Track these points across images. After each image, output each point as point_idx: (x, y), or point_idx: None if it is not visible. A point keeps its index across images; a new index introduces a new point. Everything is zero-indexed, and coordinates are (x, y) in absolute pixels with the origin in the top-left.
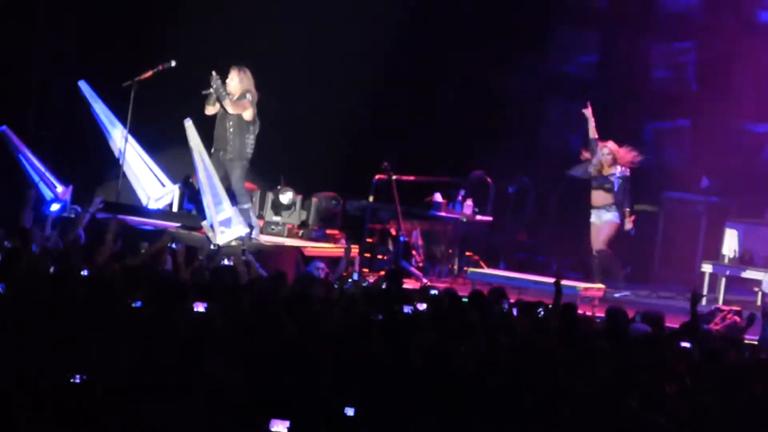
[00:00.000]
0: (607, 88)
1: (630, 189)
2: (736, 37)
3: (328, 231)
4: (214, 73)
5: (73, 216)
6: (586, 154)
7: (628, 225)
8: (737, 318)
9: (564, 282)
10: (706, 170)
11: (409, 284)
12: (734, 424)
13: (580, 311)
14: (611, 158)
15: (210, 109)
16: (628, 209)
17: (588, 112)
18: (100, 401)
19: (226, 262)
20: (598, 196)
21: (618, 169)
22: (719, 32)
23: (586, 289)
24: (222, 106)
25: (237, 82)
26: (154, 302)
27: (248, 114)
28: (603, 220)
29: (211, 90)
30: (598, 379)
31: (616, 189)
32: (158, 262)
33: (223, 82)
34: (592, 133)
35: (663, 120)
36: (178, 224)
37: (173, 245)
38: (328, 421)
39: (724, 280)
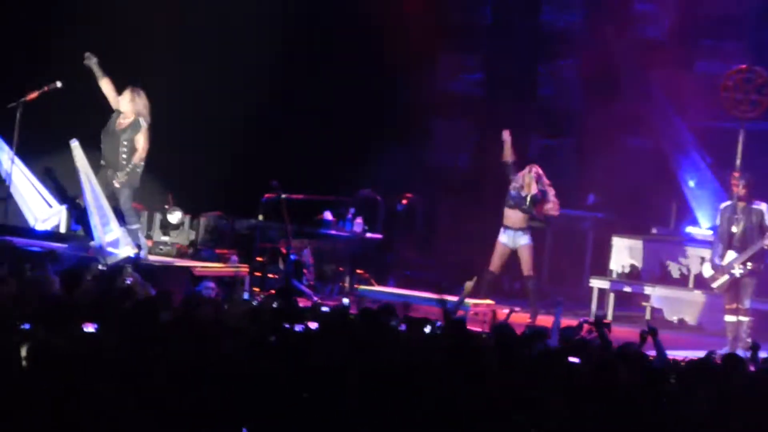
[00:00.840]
0: (493, 106)
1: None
2: (617, 52)
3: (218, 250)
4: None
5: None
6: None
7: None
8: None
9: (453, 298)
10: (592, 187)
11: (300, 303)
12: None
13: (471, 328)
14: (536, 180)
15: (103, 83)
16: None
17: (506, 134)
18: None
19: (126, 282)
20: (514, 216)
21: (532, 192)
22: (600, 48)
23: (476, 305)
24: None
25: (129, 101)
26: (42, 323)
27: (142, 143)
28: (519, 243)
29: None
30: (485, 395)
31: (526, 207)
32: (46, 284)
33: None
34: (508, 157)
35: (549, 137)
36: (66, 245)
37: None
38: None
39: (612, 295)
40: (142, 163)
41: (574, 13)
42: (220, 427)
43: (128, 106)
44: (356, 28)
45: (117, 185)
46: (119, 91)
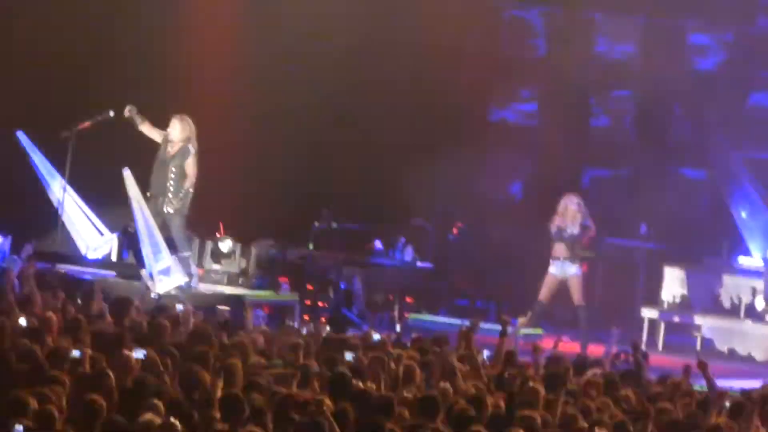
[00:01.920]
0: (547, 136)
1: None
2: (673, 84)
3: (269, 278)
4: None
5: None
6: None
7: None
8: (630, 358)
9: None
10: (644, 217)
11: (350, 332)
12: None
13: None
14: (578, 210)
15: (147, 129)
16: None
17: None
18: None
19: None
20: (560, 247)
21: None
22: (656, 80)
23: (527, 335)
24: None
25: (179, 130)
26: (94, 350)
27: (191, 167)
28: (568, 273)
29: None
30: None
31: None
32: (96, 313)
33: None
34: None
35: (602, 167)
36: (116, 273)
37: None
38: None
39: (663, 325)
40: (192, 189)
41: (629, 45)
42: None
43: (176, 134)
44: (413, 58)
45: (170, 211)
46: (167, 121)
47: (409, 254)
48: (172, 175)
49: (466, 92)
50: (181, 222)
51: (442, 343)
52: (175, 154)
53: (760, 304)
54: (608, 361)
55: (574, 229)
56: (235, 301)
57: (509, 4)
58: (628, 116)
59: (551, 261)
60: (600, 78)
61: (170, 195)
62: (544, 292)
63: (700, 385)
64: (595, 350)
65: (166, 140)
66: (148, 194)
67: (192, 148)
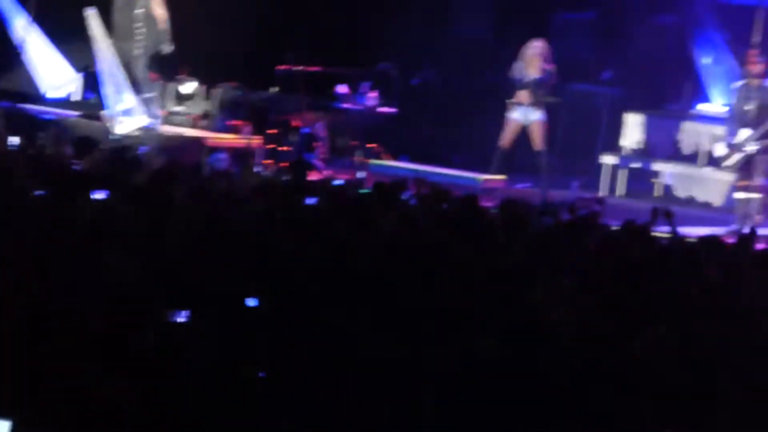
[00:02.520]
0: None
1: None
2: None
3: (232, 122)
4: None
5: None
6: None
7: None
8: (597, 206)
9: (465, 173)
10: (609, 63)
11: (312, 176)
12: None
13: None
14: (541, 58)
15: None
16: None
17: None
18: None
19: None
20: (524, 93)
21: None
22: None
23: (487, 180)
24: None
25: None
26: (55, 191)
27: (159, 7)
28: (531, 119)
29: None
30: (498, 271)
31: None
32: (59, 151)
33: None
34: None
35: (568, 11)
36: (79, 113)
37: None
38: (230, 312)
39: (623, 171)
40: (167, 27)
41: None
42: (227, 298)
43: None
44: None
45: (139, 53)
46: None
47: (373, 99)
48: (138, 19)
49: None
50: (145, 62)
51: (402, 189)
52: None
53: (719, 150)
54: (567, 207)
55: (535, 74)
56: (198, 143)
57: None
58: None
59: (513, 106)
60: None
61: (137, 38)
62: (505, 138)
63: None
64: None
65: None
66: (111, 38)
67: None
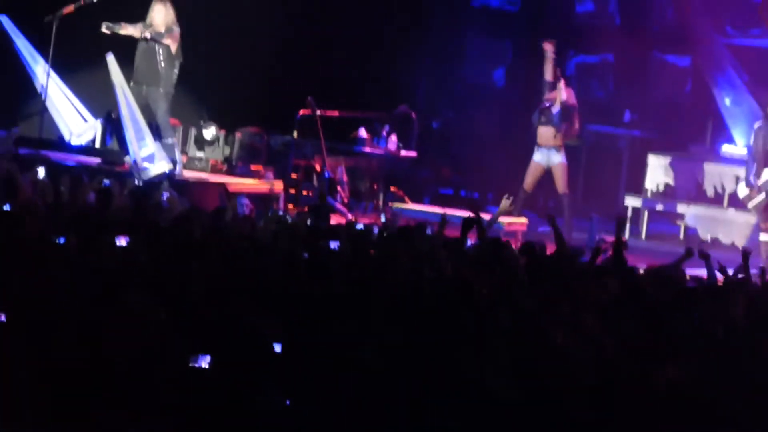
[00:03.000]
0: (530, 22)
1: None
2: None
3: (253, 166)
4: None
5: None
6: (549, 96)
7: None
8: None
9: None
10: (629, 104)
11: (334, 220)
12: (658, 357)
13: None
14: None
15: (125, 31)
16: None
17: (548, 47)
18: (20, 339)
19: (161, 197)
20: (546, 134)
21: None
22: None
23: (510, 224)
24: (157, 41)
25: (163, 15)
26: (77, 237)
27: (175, 47)
28: (553, 162)
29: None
30: (520, 310)
31: (556, 122)
32: (80, 198)
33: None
34: (549, 74)
35: (587, 54)
36: (101, 159)
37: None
38: (253, 357)
39: (646, 213)
40: (177, 71)
41: None
42: (251, 342)
43: (162, 19)
44: None
45: (162, 92)
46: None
47: (393, 143)
48: (161, 59)
49: None
50: (167, 107)
51: (425, 231)
52: (158, 33)
53: (742, 191)
54: (590, 249)
55: (556, 108)
56: (219, 188)
57: None
58: (612, 1)
59: (536, 148)
60: None
61: (161, 79)
62: (528, 181)
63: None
64: (579, 239)
65: (148, 27)
66: (132, 83)
67: (177, 29)
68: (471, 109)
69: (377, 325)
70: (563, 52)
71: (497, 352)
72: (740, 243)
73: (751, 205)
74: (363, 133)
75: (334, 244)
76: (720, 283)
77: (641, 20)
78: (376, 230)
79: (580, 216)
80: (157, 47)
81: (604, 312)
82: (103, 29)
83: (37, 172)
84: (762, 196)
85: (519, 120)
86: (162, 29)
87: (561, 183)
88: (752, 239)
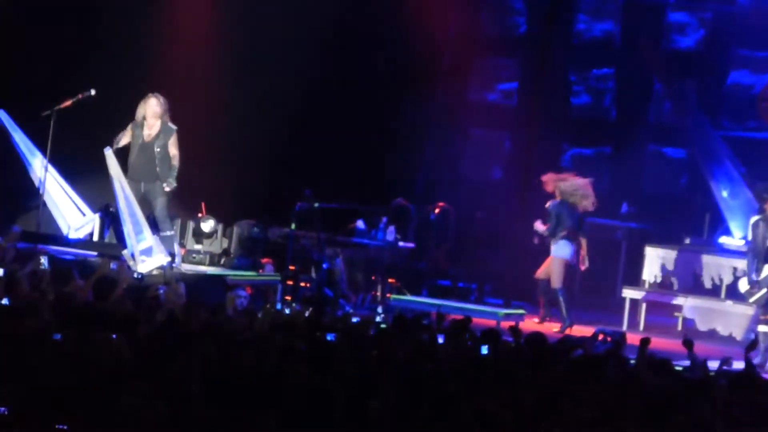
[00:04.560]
0: (528, 115)
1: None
2: (651, 61)
3: (251, 259)
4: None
5: None
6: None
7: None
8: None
9: (485, 308)
10: (625, 196)
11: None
12: None
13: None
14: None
15: (125, 141)
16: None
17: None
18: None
19: (159, 291)
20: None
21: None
22: (637, 59)
23: (507, 315)
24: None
25: (153, 108)
26: (75, 332)
27: (174, 146)
28: (552, 253)
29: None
30: (520, 405)
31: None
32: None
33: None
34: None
35: (582, 146)
36: (98, 253)
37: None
38: None
39: (644, 305)
40: (177, 165)
41: (609, 23)
42: None
43: (152, 113)
44: (391, 39)
45: (168, 189)
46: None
47: (391, 234)
48: (158, 157)
49: (445, 71)
50: (165, 202)
51: (423, 323)
52: (157, 135)
53: (743, 286)
54: (589, 342)
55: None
56: (218, 281)
57: None
58: (608, 94)
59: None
60: (580, 56)
61: (162, 177)
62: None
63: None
64: (578, 331)
65: (140, 123)
66: (128, 178)
67: (173, 126)
68: (468, 201)
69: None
70: (559, 145)
71: None
72: (738, 334)
73: (752, 300)
74: (361, 224)
75: (331, 336)
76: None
77: (637, 113)
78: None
79: (578, 308)
80: (152, 144)
81: (602, 403)
82: (112, 149)
83: (39, 262)
84: (763, 291)
85: (515, 212)
86: (158, 132)
87: (552, 276)
88: (750, 330)
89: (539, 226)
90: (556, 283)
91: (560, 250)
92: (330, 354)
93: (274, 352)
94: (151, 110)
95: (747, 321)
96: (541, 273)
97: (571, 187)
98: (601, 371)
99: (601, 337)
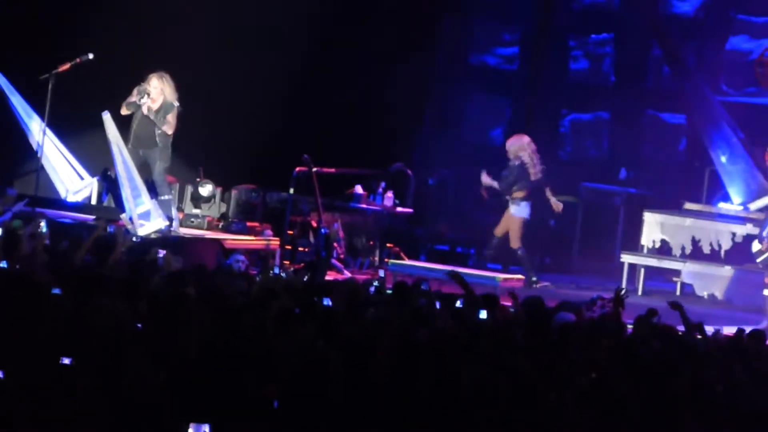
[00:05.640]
0: (527, 80)
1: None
2: (650, 26)
3: (249, 223)
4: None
5: None
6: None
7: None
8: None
9: (483, 273)
10: (624, 162)
11: (330, 276)
12: (650, 416)
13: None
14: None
15: (126, 111)
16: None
17: (486, 179)
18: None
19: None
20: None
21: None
22: (636, 24)
23: (506, 279)
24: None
25: (164, 91)
26: (73, 294)
27: (172, 128)
28: (510, 213)
29: (138, 102)
30: (515, 371)
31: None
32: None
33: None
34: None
35: (581, 112)
36: (95, 217)
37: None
38: (251, 418)
39: (643, 270)
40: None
41: None
42: (251, 401)
43: (155, 92)
44: (393, 4)
45: (159, 152)
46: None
47: (389, 199)
48: (158, 131)
49: (446, 36)
50: (162, 166)
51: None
52: (159, 110)
53: (755, 246)
54: (585, 307)
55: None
56: (216, 245)
57: None
58: (607, 59)
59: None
60: (580, 21)
61: (160, 148)
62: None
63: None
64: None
65: (143, 94)
66: (129, 146)
67: (175, 103)
68: (468, 166)
69: (372, 389)
70: (558, 110)
71: (491, 413)
72: (736, 299)
73: (759, 260)
74: (359, 189)
75: (327, 301)
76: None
77: (636, 78)
78: (372, 287)
79: (576, 273)
80: (154, 117)
81: (599, 370)
82: (123, 111)
83: (38, 225)
84: None
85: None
86: (159, 107)
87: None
88: (748, 295)
89: (486, 178)
90: (516, 242)
91: (520, 210)
92: (327, 318)
93: (272, 317)
94: (155, 86)
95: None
96: (498, 230)
97: (530, 157)
98: (598, 336)
99: (600, 302)
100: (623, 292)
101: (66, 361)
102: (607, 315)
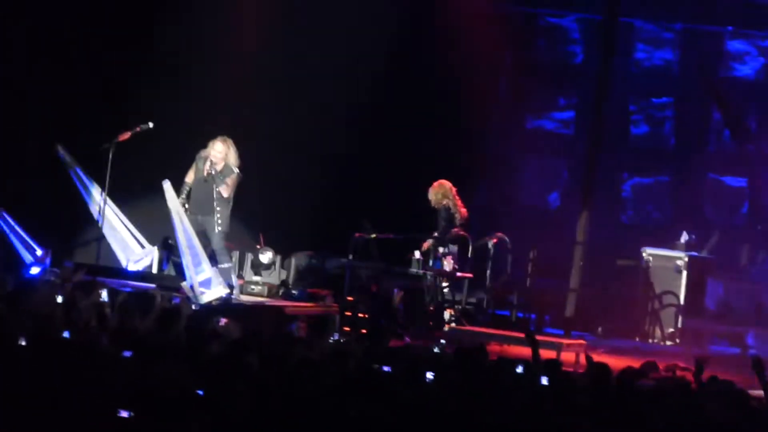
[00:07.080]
0: (586, 144)
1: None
2: (711, 90)
3: (309, 290)
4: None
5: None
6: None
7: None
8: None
9: (544, 338)
10: (686, 226)
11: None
12: None
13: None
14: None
15: (191, 176)
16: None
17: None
18: None
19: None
20: None
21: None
22: (697, 87)
23: (569, 345)
24: (215, 181)
25: (228, 156)
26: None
27: (229, 191)
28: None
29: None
30: None
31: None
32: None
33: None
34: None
35: (642, 175)
36: (156, 285)
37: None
38: None
39: (706, 335)
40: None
41: (668, 51)
42: None
43: (218, 156)
44: (449, 68)
45: (219, 230)
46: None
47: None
48: (216, 193)
49: (503, 101)
50: (221, 234)
51: (483, 354)
52: (218, 173)
53: None
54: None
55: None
56: (276, 312)
57: (545, 12)
58: (668, 123)
59: None
60: (639, 85)
61: (218, 216)
62: None
63: None
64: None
65: (204, 159)
66: (188, 213)
67: (235, 169)
68: (526, 230)
69: None
70: (618, 174)
71: None
72: None
73: None
74: (418, 254)
75: (387, 368)
76: None
77: (697, 141)
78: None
79: (642, 337)
80: (213, 182)
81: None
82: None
83: (99, 294)
84: None
85: (573, 241)
86: (221, 168)
87: None
88: None
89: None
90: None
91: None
92: (386, 386)
93: (331, 383)
94: (219, 149)
95: None
96: None
97: (453, 202)
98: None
99: (678, 372)
100: (703, 361)
101: (124, 414)
102: (675, 381)
